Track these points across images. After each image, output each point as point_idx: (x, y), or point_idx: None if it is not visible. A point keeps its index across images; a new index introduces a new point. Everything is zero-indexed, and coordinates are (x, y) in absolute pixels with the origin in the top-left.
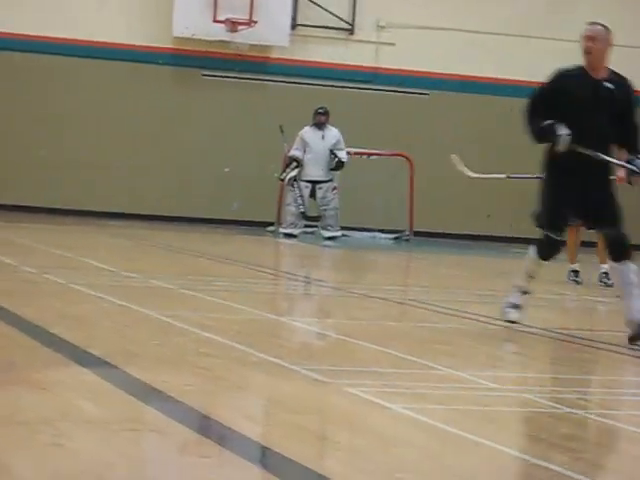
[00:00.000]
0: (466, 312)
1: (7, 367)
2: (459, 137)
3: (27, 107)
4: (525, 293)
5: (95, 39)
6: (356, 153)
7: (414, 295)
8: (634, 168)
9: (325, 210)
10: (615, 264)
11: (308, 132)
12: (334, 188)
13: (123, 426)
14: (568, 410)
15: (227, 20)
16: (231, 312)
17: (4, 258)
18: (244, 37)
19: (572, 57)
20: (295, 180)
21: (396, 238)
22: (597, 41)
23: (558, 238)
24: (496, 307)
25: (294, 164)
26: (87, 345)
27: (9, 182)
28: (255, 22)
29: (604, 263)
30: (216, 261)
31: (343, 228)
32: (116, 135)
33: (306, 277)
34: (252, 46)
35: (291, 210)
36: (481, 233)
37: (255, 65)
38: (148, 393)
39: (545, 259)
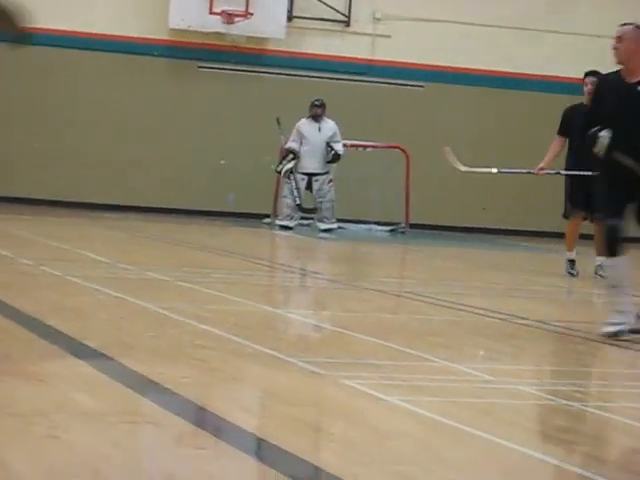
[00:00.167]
0: (462, 304)
1: (3, 359)
2: (455, 129)
3: (24, 99)
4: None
5: (91, 31)
6: (352, 145)
7: (410, 287)
8: None
9: (321, 202)
10: None
11: (304, 124)
12: (330, 180)
13: (119, 418)
14: (564, 402)
15: (223, 12)
16: (227, 304)
17: (0, 250)
18: (240, 29)
19: (569, 50)
20: (291, 172)
21: (392, 230)
22: (624, 40)
23: (620, 222)
24: (492, 299)
25: (290, 156)
26: (83, 337)
27: (5, 174)
28: (251, 14)
29: (600, 255)
30: (212, 253)
31: (339, 220)
32: (112, 127)
33: (302, 269)
34: (248, 38)
35: (287, 202)
36: (477, 225)
37: (251, 57)
38: (144, 385)
39: (618, 252)
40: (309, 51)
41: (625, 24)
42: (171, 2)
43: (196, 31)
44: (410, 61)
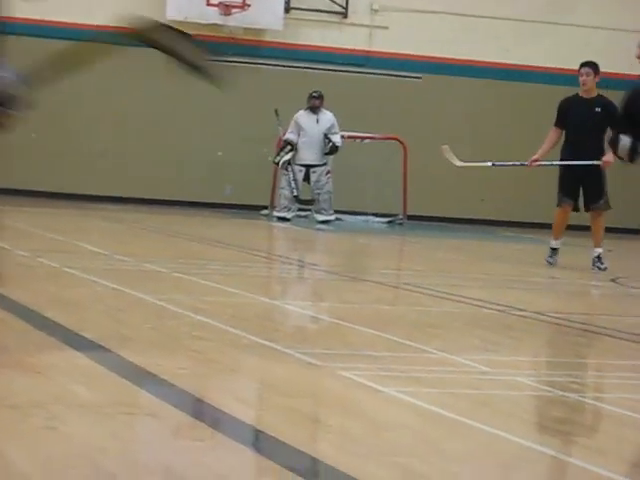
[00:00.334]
0: (460, 296)
1: (0, 351)
2: (452, 121)
3: None
4: None
5: (89, 23)
6: (349, 137)
7: (408, 279)
8: None
9: (319, 194)
10: None
11: (302, 116)
12: (328, 172)
13: (116, 409)
14: (561, 394)
15: (220, 3)
16: (225, 295)
17: None
18: (237, 20)
19: (570, 42)
20: (289, 164)
21: (390, 222)
22: None
23: None
24: (490, 291)
25: (288, 148)
26: (80, 329)
27: (3, 166)
28: (248, 5)
29: (598, 247)
30: (210, 245)
31: (337, 212)
32: (109, 119)
33: (300, 261)
34: (245, 29)
35: (284, 194)
36: (475, 217)
37: (248, 49)
38: (141, 377)
39: None
40: (307, 43)
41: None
42: None
43: (193, 22)
44: (408, 52)
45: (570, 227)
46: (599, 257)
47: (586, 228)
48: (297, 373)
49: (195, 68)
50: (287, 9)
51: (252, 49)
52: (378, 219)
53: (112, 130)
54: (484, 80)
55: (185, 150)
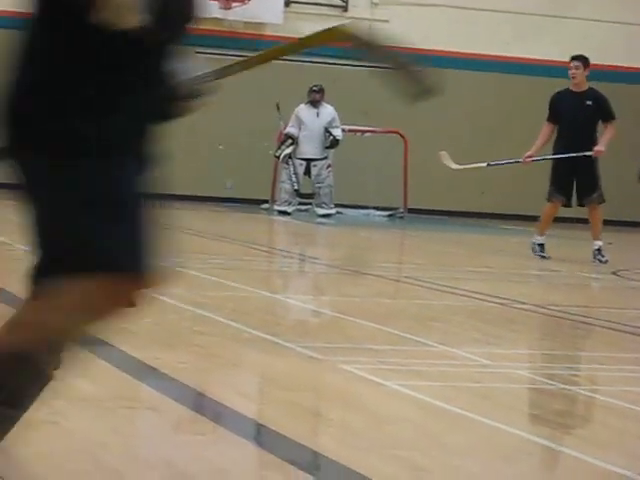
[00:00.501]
0: (460, 289)
1: None
2: (453, 114)
3: None
4: None
5: None
6: (350, 130)
7: (408, 272)
8: None
9: (319, 188)
10: None
11: (303, 110)
12: (329, 166)
13: (118, 404)
14: (561, 386)
15: None
16: (225, 289)
17: None
18: (238, 14)
19: (568, 35)
20: (290, 157)
21: (390, 215)
22: None
23: None
24: (490, 284)
25: (289, 141)
26: None
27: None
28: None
29: (597, 239)
30: (210, 239)
31: (337, 205)
32: None
33: (300, 254)
34: (246, 23)
35: (285, 188)
36: (475, 210)
37: (249, 42)
38: (142, 371)
39: None
40: None
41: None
42: None
43: None
44: (408, 46)
45: (570, 220)
46: (599, 250)
47: (587, 221)
48: (298, 367)
49: (408, 73)
50: (287, 3)
51: (252, 43)
52: (379, 212)
53: None
54: (484, 73)
55: (185, 143)
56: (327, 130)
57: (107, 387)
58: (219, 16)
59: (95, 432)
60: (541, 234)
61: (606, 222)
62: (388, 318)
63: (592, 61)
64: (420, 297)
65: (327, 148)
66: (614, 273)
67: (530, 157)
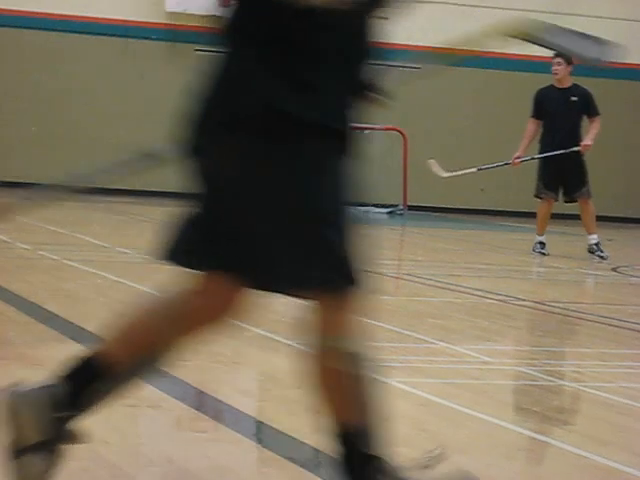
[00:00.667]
0: (461, 286)
1: (1, 343)
2: (452, 111)
3: (17, 84)
4: None
5: (88, 15)
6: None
7: (408, 269)
8: None
9: None
10: None
11: None
12: None
13: (118, 402)
14: (562, 383)
15: None
16: None
17: None
18: None
19: None
20: None
21: (390, 212)
22: None
23: None
24: (490, 281)
25: None
26: (81, 321)
27: (3, 159)
28: None
29: (592, 234)
30: None
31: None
32: (110, 110)
33: None
34: None
35: None
36: (475, 207)
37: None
38: None
39: None
40: None
41: None
42: None
43: (193, 14)
44: (407, 43)
45: (570, 216)
46: (597, 244)
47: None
48: (298, 364)
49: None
50: None
51: None
52: (378, 209)
53: (112, 122)
54: (484, 70)
55: None
56: None
57: None
58: (218, 14)
59: (96, 430)
60: (540, 233)
61: (606, 218)
62: (388, 315)
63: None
64: (420, 294)
65: None
66: (614, 269)
67: (519, 158)
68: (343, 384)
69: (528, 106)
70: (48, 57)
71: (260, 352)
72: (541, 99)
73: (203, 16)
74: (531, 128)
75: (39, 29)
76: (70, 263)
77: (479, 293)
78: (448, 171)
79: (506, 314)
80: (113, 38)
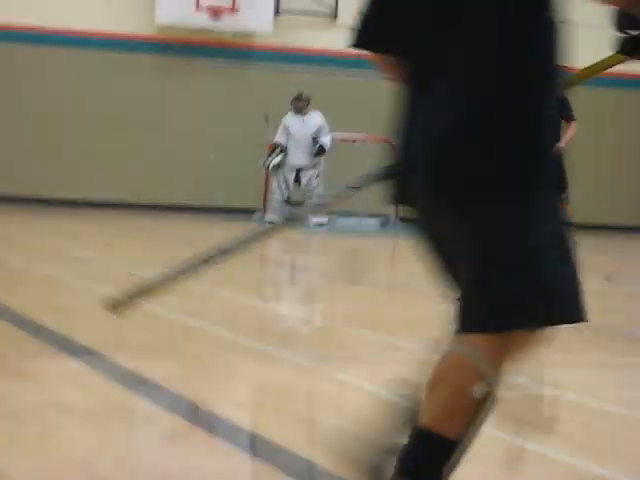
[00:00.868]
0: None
1: None
2: None
3: (9, 97)
4: None
5: (79, 28)
6: (341, 140)
7: (402, 279)
8: None
9: (310, 197)
10: None
11: (289, 118)
12: (318, 175)
13: (112, 415)
14: (555, 392)
15: (210, 8)
16: (218, 299)
17: None
18: (227, 25)
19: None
20: (278, 167)
21: (382, 223)
22: None
23: None
24: None
25: (277, 151)
26: (74, 334)
27: None
28: (238, 10)
29: None
30: (202, 248)
31: (329, 213)
32: (101, 124)
33: (293, 263)
34: (235, 33)
35: (276, 198)
36: None
37: (239, 52)
38: (136, 382)
39: None
40: (297, 45)
41: None
42: None
43: (183, 27)
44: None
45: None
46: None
47: (583, 225)
48: (292, 376)
49: None
50: (277, 12)
51: (242, 53)
52: (371, 220)
53: (103, 134)
54: None
55: (177, 154)
56: (314, 138)
57: (101, 398)
58: (209, 27)
59: (89, 443)
60: None
61: (599, 227)
62: (382, 326)
63: (585, 64)
64: (414, 304)
65: (315, 156)
66: (607, 278)
67: None
68: (467, 397)
69: None
70: (41, 70)
71: (253, 364)
72: None
73: (193, 29)
74: None
75: (33, 43)
76: (62, 276)
77: None
78: None
79: None
80: (104, 51)
